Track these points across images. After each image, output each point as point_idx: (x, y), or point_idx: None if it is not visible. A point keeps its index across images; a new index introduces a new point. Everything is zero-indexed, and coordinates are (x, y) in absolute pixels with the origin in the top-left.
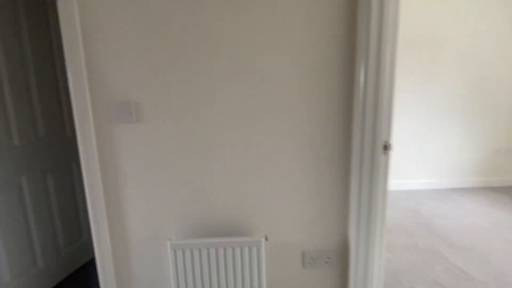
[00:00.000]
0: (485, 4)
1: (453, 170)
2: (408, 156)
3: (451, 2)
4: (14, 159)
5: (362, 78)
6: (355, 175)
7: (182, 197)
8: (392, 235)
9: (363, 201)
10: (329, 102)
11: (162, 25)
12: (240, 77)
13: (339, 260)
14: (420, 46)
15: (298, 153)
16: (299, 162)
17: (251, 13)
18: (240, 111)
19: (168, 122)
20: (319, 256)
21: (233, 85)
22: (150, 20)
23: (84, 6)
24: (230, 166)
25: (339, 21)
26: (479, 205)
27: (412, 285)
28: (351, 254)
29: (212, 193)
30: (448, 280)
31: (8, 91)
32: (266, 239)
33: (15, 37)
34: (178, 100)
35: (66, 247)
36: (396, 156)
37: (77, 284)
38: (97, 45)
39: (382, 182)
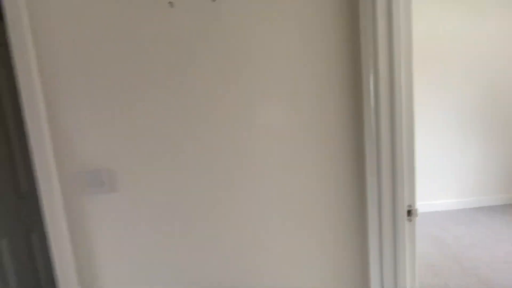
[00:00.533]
0: (489, 9)
1: (475, 188)
2: (428, 175)
3: (454, 9)
4: None
5: (373, 130)
6: (374, 251)
7: (165, 278)
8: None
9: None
10: (336, 157)
11: (137, 86)
12: (230, 131)
13: None
14: (427, 61)
15: (301, 221)
16: (303, 236)
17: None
18: (229, 180)
19: (147, 191)
20: None
21: (221, 140)
22: (121, 81)
23: (44, 68)
24: (223, 241)
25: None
26: (507, 227)
27: None
28: None
29: (199, 272)
30: None
31: None
32: None
33: None
34: (159, 165)
35: None
36: None
37: None
38: (63, 107)
39: (409, 257)
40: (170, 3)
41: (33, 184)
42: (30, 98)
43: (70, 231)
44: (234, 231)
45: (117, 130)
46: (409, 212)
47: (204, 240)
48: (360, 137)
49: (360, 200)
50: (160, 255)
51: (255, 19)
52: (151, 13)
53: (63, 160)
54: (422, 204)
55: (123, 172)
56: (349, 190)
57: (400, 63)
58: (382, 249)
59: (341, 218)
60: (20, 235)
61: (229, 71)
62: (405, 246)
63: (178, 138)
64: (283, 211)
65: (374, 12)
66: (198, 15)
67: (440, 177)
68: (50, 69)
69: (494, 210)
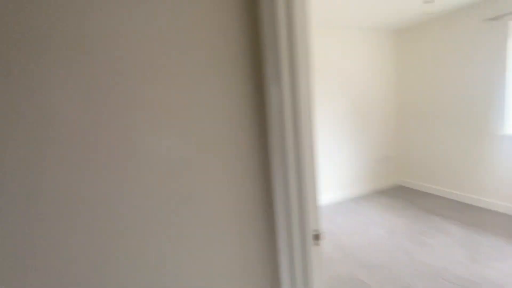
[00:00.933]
0: (359, 45)
1: (349, 181)
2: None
3: (336, 41)
4: None
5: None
6: (285, 279)
7: None
8: None
9: None
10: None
11: None
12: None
13: None
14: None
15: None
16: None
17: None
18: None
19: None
20: None
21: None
22: None
23: None
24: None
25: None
26: (376, 212)
27: None
28: None
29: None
30: None
31: None
32: None
33: None
34: None
35: None
36: None
37: None
38: None
39: (318, 280)
40: None
41: None
42: None
43: None
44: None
45: None
46: (316, 237)
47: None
48: (268, 174)
49: (269, 229)
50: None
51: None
52: None
53: None
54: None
55: None
56: (258, 220)
57: (299, 72)
58: (293, 276)
59: (250, 248)
60: None
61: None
62: (314, 270)
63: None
64: (189, 243)
65: (276, 30)
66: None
67: (324, 175)
68: None
69: (363, 199)
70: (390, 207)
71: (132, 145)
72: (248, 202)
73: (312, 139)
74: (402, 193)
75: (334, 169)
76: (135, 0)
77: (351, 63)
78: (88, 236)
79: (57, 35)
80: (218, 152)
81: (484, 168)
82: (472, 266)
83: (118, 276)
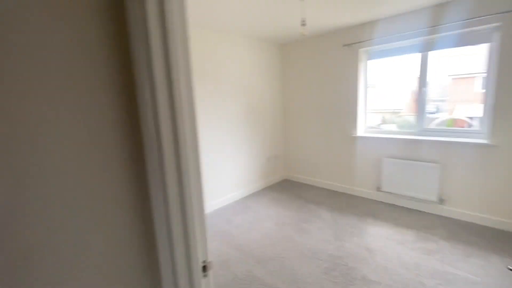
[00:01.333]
0: (251, 52)
1: (244, 181)
2: (214, 176)
3: (230, 46)
4: None
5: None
6: None
7: None
8: (215, 270)
9: None
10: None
11: None
12: None
13: None
14: (208, 80)
15: None
16: None
17: None
18: None
19: None
20: None
21: None
22: None
23: None
24: None
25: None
26: (268, 207)
27: None
28: None
29: None
30: None
31: None
32: None
33: None
34: None
35: None
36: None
37: None
38: None
39: None
40: None
41: None
42: None
43: None
44: None
45: None
46: (204, 268)
47: None
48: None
49: (152, 264)
50: None
51: None
52: None
53: None
54: (215, 203)
55: None
56: (139, 255)
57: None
58: None
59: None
60: None
61: None
62: None
63: None
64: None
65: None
66: None
67: (223, 177)
68: None
69: (257, 195)
70: (279, 200)
71: None
72: (123, 238)
73: (197, 155)
74: (289, 186)
75: (235, 170)
76: None
77: (243, 68)
78: None
79: None
80: (80, 180)
81: (345, 162)
82: (336, 243)
83: None
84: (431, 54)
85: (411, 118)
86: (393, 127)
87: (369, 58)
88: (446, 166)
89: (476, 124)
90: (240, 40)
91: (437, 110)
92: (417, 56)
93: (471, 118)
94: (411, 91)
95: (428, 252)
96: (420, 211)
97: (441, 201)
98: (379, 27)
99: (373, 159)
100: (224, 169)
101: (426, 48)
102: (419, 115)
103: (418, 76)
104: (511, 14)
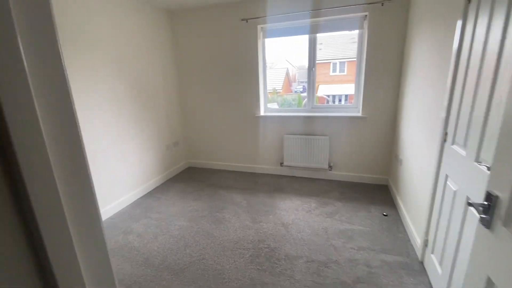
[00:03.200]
0: (135, 19)
1: (142, 176)
2: (99, 177)
3: (107, 11)
4: None
5: None
6: None
7: None
8: None
9: None
10: None
11: None
12: None
13: None
14: (76, 47)
15: None
16: None
17: None
18: None
19: None
20: None
21: None
22: None
23: None
24: None
25: None
26: (174, 202)
27: None
28: None
29: None
30: None
31: None
32: None
33: None
34: None
35: None
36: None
37: None
38: None
39: None
40: None
41: None
42: None
43: None
44: None
45: None
46: None
47: None
48: None
49: None
50: None
51: None
52: None
53: None
54: (103, 212)
55: None
56: None
57: None
58: None
59: None
60: None
61: None
62: None
63: None
64: None
65: None
66: None
67: (112, 175)
68: None
69: (159, 191)
70: (186, 192)
71: None
72: None
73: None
74: (195, 174)
75: (127, 165)
76: None
77: (127, 39)
78: None
79: None
80: None
81: (250, 142)
82: (255, 226)
83: None
84: (318, 37)
85: (288, 97)
86: (275, 106)
87: (266, 36)
88: (332, 137)
89: (353, 101)
90: (122, 3)
91: (303, 90)
92: (306, 38)
93: (328, 96)
94: (286, 72)
95: (329, 214)
96: (315, 179)
97: (331, 167)
98: (272, 4)
99: (275, 136)
100: (110, 165)
101: (313, 30)
102: (309, 93)
103: (308, 57)
104: (375, 5)
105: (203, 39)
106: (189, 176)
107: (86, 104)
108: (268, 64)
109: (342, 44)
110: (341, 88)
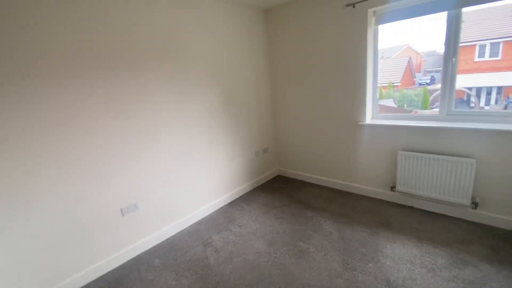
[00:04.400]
0: (228, 21)
1: (228, 183)
2: (190, 183)
3: (193, 13)
4: None
5: None
6: None
7: None
8: None
9: None
10: None
11: None
12: None
13: None
14: (169, 57)
15: None
16: None
17: None
18: None
19: None
20: None
21: None
22: None
23: None
24: None
25: None
26: (257, 217)
27: None
28: None
29: None
30: None
31: None
32: None
33: None
34: None
35: None
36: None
37: None
38: None
39: None
40: None
41: None
42: None
43: None
44: None
45: None
46: None
47: None
48: None
49: None
50: None
51: None
52: None
53: None
54: (188, 218)
55: None
56: None
57: None
58: None
59: None
60: None
61: None
62: None
63: None
64: None
65: None
66: None
67: (201, 181)
68: None
69: (244, 200)
70: (271, 206)
71: None
72: None
73: None
74: (283, 185)
75: (215, 171)
76: None
77: (217, 42)
78: None
79: None
80: None
81: (350, 155)
82: (346, 274)
83: None
84: (464, 11)
85: (410, 91)
86: (390, 103)
87: (379, 22)
88: (482, 160)
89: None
90: (213, 3)
91: (431, 81)
92: (443, 16)
93: (470, 88)
94: (409, 61)
95: (469, 284)
96: (445, 216)
97: (475, 204)
98: None
99: (386, 151)
100: (203, 172)
101: (457, 3)
102: (445, 92)
103: (445, 43)
104: None
105: (299, 35)
106: (277, 187)
107: (188, 117)
108: (382, 54)
109: (496, 19)
110: (492, 78)
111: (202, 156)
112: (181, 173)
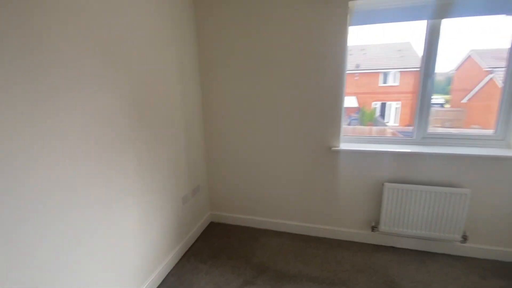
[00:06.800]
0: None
1: (145, 267)
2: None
3: None
4: None
5: None
6: None
7: None
8: None
9: None
10: None
11: None
12: None
13: None
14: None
15: None
16: None
17: None
18: None
19: None
20: None
21: None
22: None
23: None
24: None
25: None
26: None
27: None
28: None
29: None
30: None
31: None
32: None
33: None
34: None
35: None
36: None
37: None
38: None
39: None
40: None
41: None
42: None
43: None
44: None
45: None
46: None
47: None
48: None
49: None
50: None
51: None
52: None
53: None
54: None
55: None
56: None
57: None
58: None
59: None
60: None
61: None
62: None
63: None
64: None
65: None
66: None
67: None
68: None
69: (174, 276)
70: (212, 283)
71: None
72: None
73: None
74: (223, 239)
75: (114, 262)
76: None
77: (123, 31)
78: None
79: None
80: None
81: (318, 188)
82: None
83: None
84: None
85: (371, 110)
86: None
87: (352, 23)
88: (476, 190)
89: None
90: None
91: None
92: (422, 25)
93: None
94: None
95: None
96: (432, 254)
97: (465, 238)
98: None
99: (368, 184)
100: (87, 269)
101: (439, 13)
102: (420, 116)
103: (423, 56)
104: None
105: (244, 32)
106: (219, 245)
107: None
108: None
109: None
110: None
111: (90, 238)
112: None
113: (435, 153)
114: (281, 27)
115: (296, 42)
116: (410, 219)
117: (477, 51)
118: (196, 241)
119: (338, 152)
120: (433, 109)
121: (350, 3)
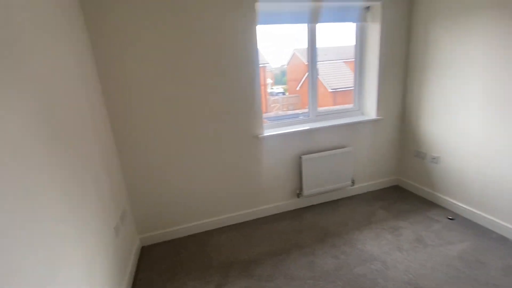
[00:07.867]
0: None
1: None
2: None
3: None
4: None
5: None
6: None
7: None
8: None
9: None
10: None
11: None
12: None
13: None
14: None
15: None
16: None
17: None
18: None
19: None
20: None
21: None
22: None
23: None
24: None
25: None
26: None
27: None
28: None
29: None
30: None
31: None
32: None
33: None
34: None
35: None
36: None
37: None
38: None
39: None
40: None
41: None
42: None
43: None
44: None
45: None
46: None
47: None
48: None
49: None
50: None
51: None
52: None
53: None
54: None
55: None
56: None
57: None
58: None
59: None
60: None
61: None
62: None
63: None
64: None
65: None
66: None
67: None
68: None
69: None
70: None
71: None
72: None
73: None
74: (168, 262)
75: None
76: None
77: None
78: None
79: None
80: None
81: (249, 174)
82: None
83: None
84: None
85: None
86: None
87: (258, 22)
88: (355, 147)
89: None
90: None
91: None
92: (305, 28)
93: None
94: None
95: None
96: (338, 201)
97: (353, 182)
98: None
99: (289, 160)
100: None
101: (313, 18)
102: (312, 98)
103: (307, 51)
104: None
105: (154, 22)
106: (172, 266)
107: None
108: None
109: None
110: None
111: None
112: None
113: (326, 126)
114: (200, 26)
115: (211, 40)
116: (320, 179)
117: (298, 50)
118: (138, 274)
119: (263, 138)
120: (277, 97)
121: (256, 4)
